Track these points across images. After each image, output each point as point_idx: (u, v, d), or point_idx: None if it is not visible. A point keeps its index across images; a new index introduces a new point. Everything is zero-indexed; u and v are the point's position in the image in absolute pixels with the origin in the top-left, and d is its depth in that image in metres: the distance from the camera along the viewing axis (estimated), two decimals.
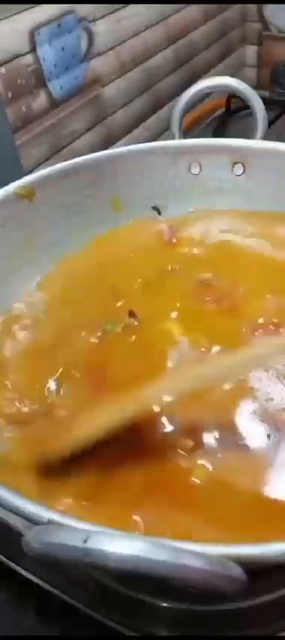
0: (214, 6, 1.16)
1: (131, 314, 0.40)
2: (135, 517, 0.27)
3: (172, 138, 0.50)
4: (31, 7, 0.74)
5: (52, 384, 0.36)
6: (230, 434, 0.32)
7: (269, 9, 1.23)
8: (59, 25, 0.78)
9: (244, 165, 0.48)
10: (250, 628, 0.32)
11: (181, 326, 0.39)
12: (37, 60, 0.76)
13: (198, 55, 1.15)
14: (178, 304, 0.41)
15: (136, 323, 0.39)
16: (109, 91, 0.92)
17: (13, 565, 0.34)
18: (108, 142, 0.94)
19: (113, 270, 0.45)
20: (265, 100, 0.47)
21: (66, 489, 0.29)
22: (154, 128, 1.06)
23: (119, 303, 0.41)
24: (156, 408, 0.32)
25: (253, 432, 0.32)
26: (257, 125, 0.48)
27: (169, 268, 0.45)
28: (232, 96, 0.97)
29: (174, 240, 0.48)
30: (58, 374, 0.36)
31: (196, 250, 0.47)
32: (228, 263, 0.45)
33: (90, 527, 0.20)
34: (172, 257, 0.46)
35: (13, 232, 0.42)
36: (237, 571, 0.19)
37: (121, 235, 0.48)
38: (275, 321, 0.38)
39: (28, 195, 0.43)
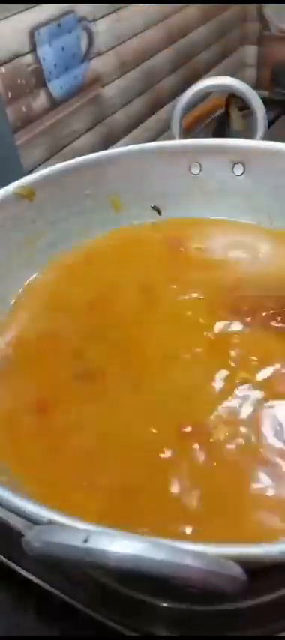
0: (214, 6, 1.16)
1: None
2: None
3: (172, 138, 0.50)
4: (31, 7, 0.74)
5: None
6: None
7: (269, 9, 1.23)
8: (59, 25, 0.78)
9: (244, 165, 0.48)
10: (250, 628, 0.32)
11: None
12: (37, 60, 0.76)
13: (198, 55, 1.15)
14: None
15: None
16: (109, 91, 0.92)
17: (13, 565, 0.34)
18: (108, 142, 0.94)
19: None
20: (265, 100, 0.47)
21: None
22: (154, 128, 1.06)
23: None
24: None
25: None
26: (257, 125, 0.48)
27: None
28: (232, 96, 0.97)
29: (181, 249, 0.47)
30: None
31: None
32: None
33: (90, 527, 0.20)
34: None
35: (13, 232, 0.42)
36: (237, 570, 0.19)
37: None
38: None
39: (28, 195, 0.43)
